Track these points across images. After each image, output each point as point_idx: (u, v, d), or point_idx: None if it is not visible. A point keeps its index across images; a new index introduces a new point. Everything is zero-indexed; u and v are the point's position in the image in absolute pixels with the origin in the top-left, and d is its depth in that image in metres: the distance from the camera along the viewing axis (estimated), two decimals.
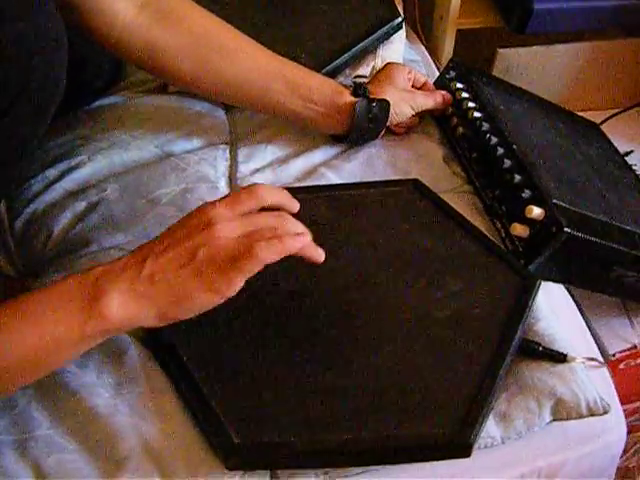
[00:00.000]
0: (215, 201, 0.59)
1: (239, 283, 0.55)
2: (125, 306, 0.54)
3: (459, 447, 0.55)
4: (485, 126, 0.83)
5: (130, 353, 0.64)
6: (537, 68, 1.09)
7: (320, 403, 0.58)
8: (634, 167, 1.00)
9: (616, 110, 1.15)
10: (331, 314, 0.64)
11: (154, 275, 0.55)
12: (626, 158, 1.01)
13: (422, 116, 0.89)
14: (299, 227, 0.59)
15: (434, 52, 1.09)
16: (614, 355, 0.89)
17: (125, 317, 0.54)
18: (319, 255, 0.60)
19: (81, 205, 0.80)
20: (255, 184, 0.60)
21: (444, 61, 1.09)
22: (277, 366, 0.61)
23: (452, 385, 0.59)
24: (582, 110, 1.07)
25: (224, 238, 0.56)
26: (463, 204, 0.79)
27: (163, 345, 0.63)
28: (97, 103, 0.96)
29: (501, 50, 1.06)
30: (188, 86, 0.85)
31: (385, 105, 0.82)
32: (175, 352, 0.62)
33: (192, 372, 0.60)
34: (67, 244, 0.78)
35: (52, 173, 0.84)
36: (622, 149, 1.04)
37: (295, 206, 0.63)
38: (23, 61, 0.60)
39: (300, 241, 0.58)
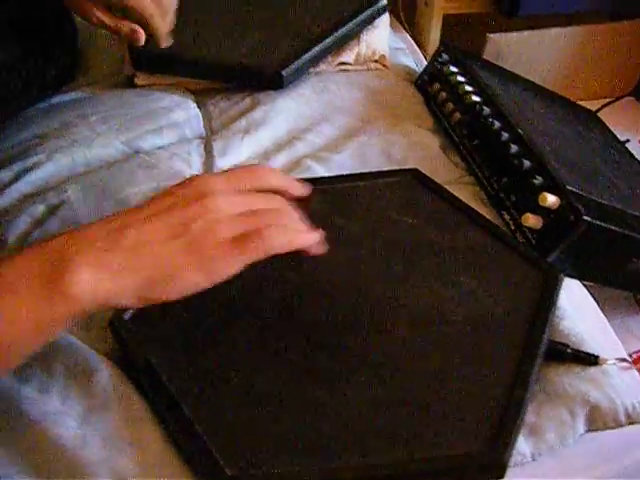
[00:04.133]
0: (210, 174, 0.50)
1: (238, 267, 0.47)
2: (97, 283, 0.44)
3: (492, 468, 0.47)
4: (486, 110, 0.76)
5: (100, 374, 0.55)
6: (529, 54, 1.04)
7: (326, 424, 0.50)
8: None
9: (609, 99, 1.09)
10: (333, 320, 0.56)
11: (138, 245, 0.46)
12: None
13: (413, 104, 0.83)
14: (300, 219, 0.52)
15: (419, 39, 1.03)
16: (630, 355, 0.83)
17: (97, 297, 0.45)
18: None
19: (39, 209, 0.72)
20: (263, 166, 0.52)
21: (430, 49, 1.03)
22: (272, 382, 0.52)
23: (478, 397, 0.51)
24: (576, 99, 1.02)
25: (224, 212, 0.47)
26: (465, 196, 0.72)
27: (138, 363, 0.55)
28: (56, 100, 0.89)
29: (492, 35, 1.00)
30: None
31: None
32: (152, 371, 0.53)
33: (173, 394, 0.52)
34: None
35: (6, 175, 0.76)
36: None
37: (304, 190, 0.56)
38: None
39: (314, 238, 0.51)
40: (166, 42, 0.83)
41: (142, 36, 0.80)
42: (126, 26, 0.79)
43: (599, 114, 1.04)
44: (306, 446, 0.48)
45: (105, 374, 0.55)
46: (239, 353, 0.54)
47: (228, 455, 0.48)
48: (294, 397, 0.51)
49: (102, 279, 0.45)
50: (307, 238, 0.50)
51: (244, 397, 0.51)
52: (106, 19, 0.78)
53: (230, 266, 0.47)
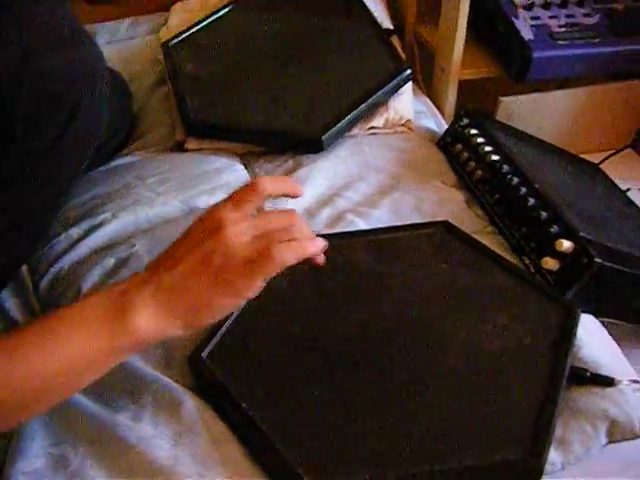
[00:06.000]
0: (219, 203, 0.58)
1: (259, 285, 0.55)
2: (153, 318, 0.54)
3: (530, 472, 0.56)
4: (505, 168, 0.86)
5: (185, 403, 0.63)
6: (537, 114, 1.14)
7: (386, 439, 0.58)
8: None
9: (610, 152, 1.19)
10: (384, 354, 0.65)
11: (174, 286, 0.55)
12: None
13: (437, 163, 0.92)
14: (309, 230, 0.60)
15: (436, 102, 1.12)
16: None
17: (154, 329, 0.55)
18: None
19: (110, 261, 0.80)
20: (257, 177, 0.60)
21: (447, 110, 1.13)
22: (341, 404, 0.61)
23: (514, 413, 0.60)
24: (579, 153, 1.11)
25: (236, 241, 0.55)
26: (489, 244, 0.81)
27: (217, 393, 0.63)
28: (114, 163, 0.98)
29: (503, 98, 1.10)
30: None
31: None
32: (231, 399, 0.62)
33: (253, 417, 0.60)
34: None
35: (76, 232, 0.85)
36: None
37: (299, 192, 0.64)
38: (72, 84, 0.65)
39: (318, 245, 0.58)
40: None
41: None
42: None
43: (601, 166, 1.13)
44: (374, 458, 0.57)
45: (190, 403, 0.63)
46: (305, 381, 0.63)
47: (308, 469, 0.56)
48: (356, 418, 0.60)
49: (156, 315, 0.54)
50: (312, 248, 0.57)
51: (315, 418, 0.60)
52: None
53: (251, 287, 0.55)
